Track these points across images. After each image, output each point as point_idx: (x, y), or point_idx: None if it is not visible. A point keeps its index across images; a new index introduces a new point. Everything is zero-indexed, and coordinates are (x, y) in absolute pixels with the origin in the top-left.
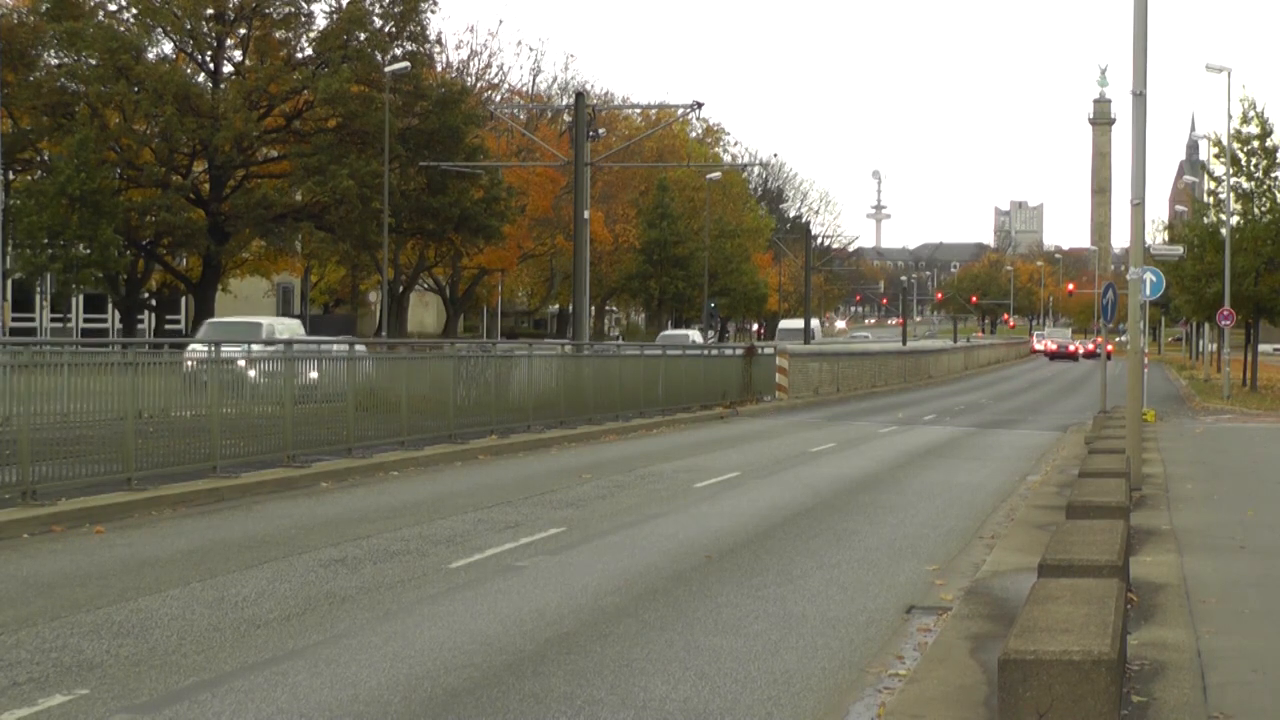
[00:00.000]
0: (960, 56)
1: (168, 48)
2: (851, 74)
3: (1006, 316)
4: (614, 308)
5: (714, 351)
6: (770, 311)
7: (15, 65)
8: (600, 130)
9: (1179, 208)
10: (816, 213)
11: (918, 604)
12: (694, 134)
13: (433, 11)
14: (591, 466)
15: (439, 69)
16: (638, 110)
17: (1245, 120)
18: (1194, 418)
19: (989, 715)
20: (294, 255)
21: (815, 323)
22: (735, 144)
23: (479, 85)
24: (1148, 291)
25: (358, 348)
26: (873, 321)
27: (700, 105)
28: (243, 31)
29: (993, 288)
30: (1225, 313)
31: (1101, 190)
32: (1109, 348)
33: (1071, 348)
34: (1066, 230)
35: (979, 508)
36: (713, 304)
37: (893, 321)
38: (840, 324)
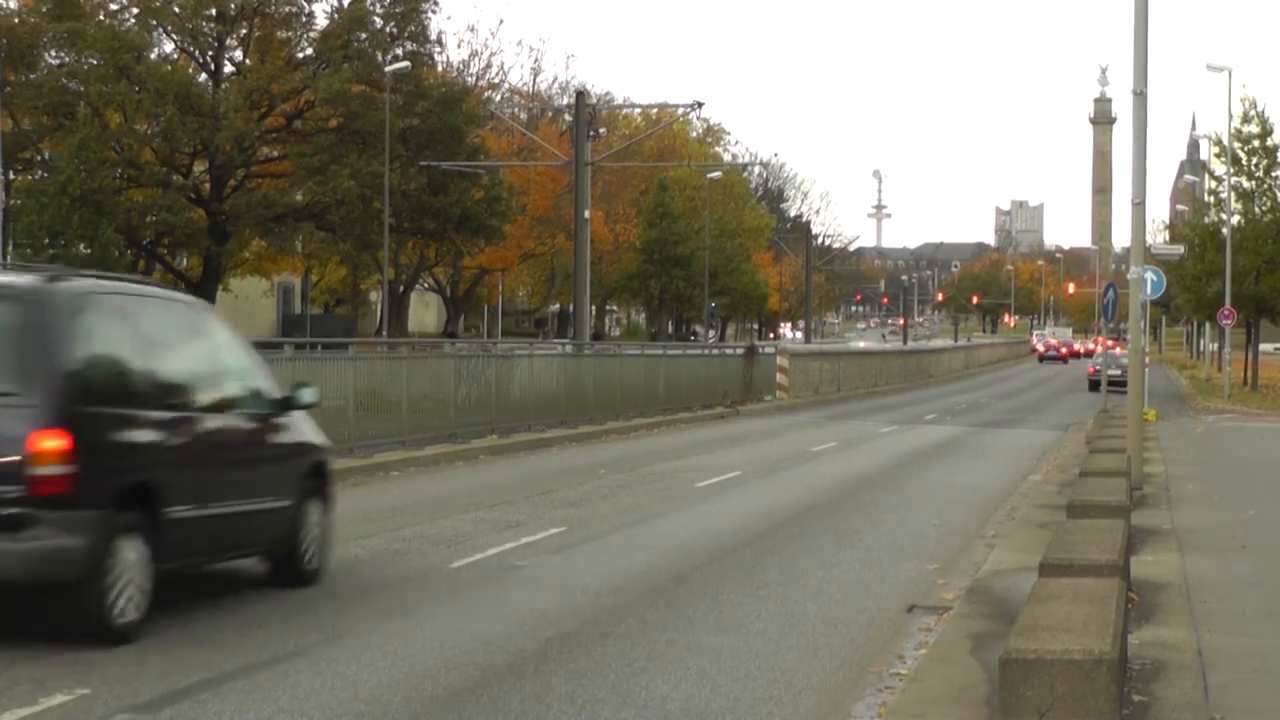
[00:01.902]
0: (960, 57)
1: (169, 47)
2: (851, 74)
3: (1006, 316)
4: (614, 307)
5: (715, 351)
6: (771, 311)
7: (16, 65)
8: (600, 130)
9: (1180, 207)
10: (817, 212)
11: (919, 603)
12: (694, 134)
13: (434, 11)
14: (592, 466)
15: (440, 69)
16: (638, 110)
17: (1246, 120)
18: (1195, 417)
19: (990, 714)
20: (294, 255)
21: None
22: (736, 144)
23: (480, 85)
24: (1148, 291)
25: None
26: (872, 323)
27: (700, 105)
28: (244, 31)
29: (993, 287)
30: (1226, 312)
31: (1102, 190)
32: (1118, 350)
33: (1063, 349)
34: (1067, 230)
35: (980, 507)
36: (713, 304)
37: (897, 321)
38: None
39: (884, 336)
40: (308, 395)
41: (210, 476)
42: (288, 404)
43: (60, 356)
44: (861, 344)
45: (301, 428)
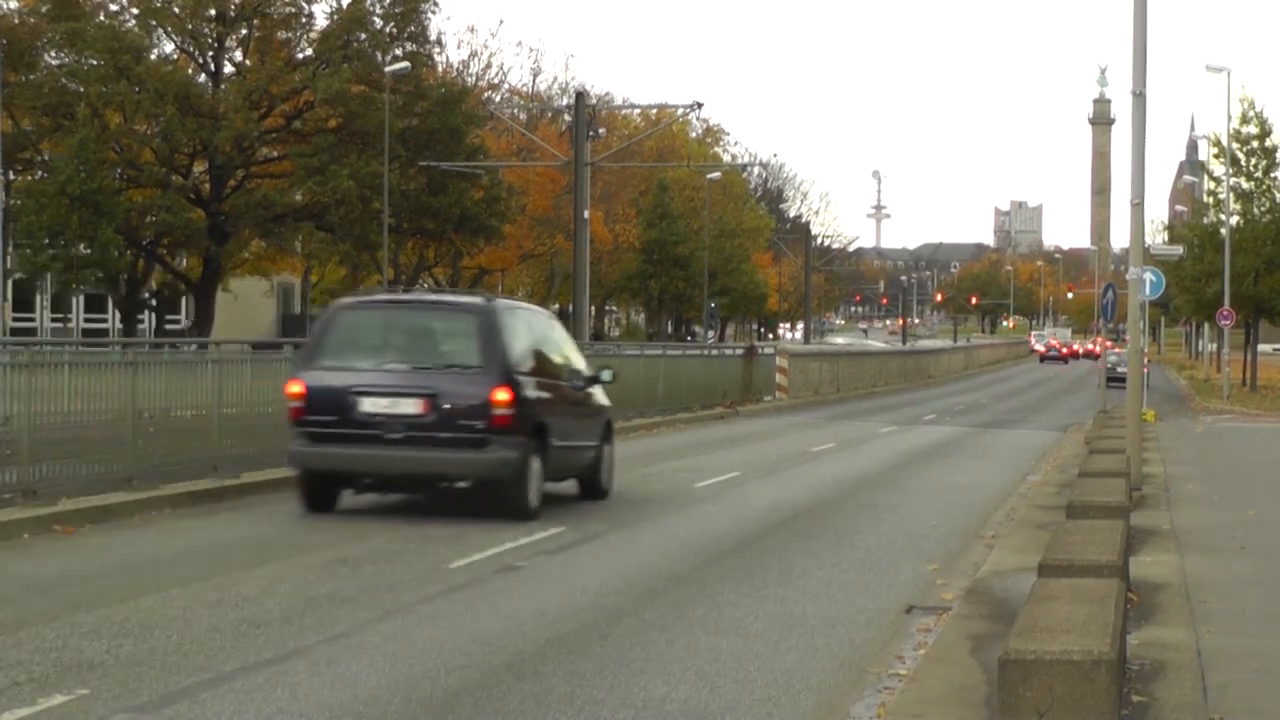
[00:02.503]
0: (960, 57)
1: (169, 48)
2: (851, 74)
3: (1007, 317)
4: (614, 308)
5: (714, 351)
6: (770, 312)
7: (16, 65)
8: (600, 130)
9: (1179, 208)
10: (816, 213)
11: (918, 604)
12: (694, 134)
13: (433, 12)
14: None
15: (439, 69)
16: (637, 110)
17: (1245, 120)
18: (1194, 418)
19: (989, 715)
20: (294, 255)
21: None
22: (735, 144)
23: (479, 85)
24: (1147, 291)
25: None
26: (874, 323)
27: (700, 105)
28: (244, 31)
29: (993, 288)
30: (1225, 313)
31: (1101, 190)
32: (1117, 350)
33: (1064, 350)
34: (1066, 230)
35: (979, 507)
36: (713, 304)
37: (894, 322)
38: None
39: (865, 333)
40: (606, 375)
41: (566, 423)
42: (595, 379)
43: (502, 345)
44: (840, 340)
45: (600, 396)
